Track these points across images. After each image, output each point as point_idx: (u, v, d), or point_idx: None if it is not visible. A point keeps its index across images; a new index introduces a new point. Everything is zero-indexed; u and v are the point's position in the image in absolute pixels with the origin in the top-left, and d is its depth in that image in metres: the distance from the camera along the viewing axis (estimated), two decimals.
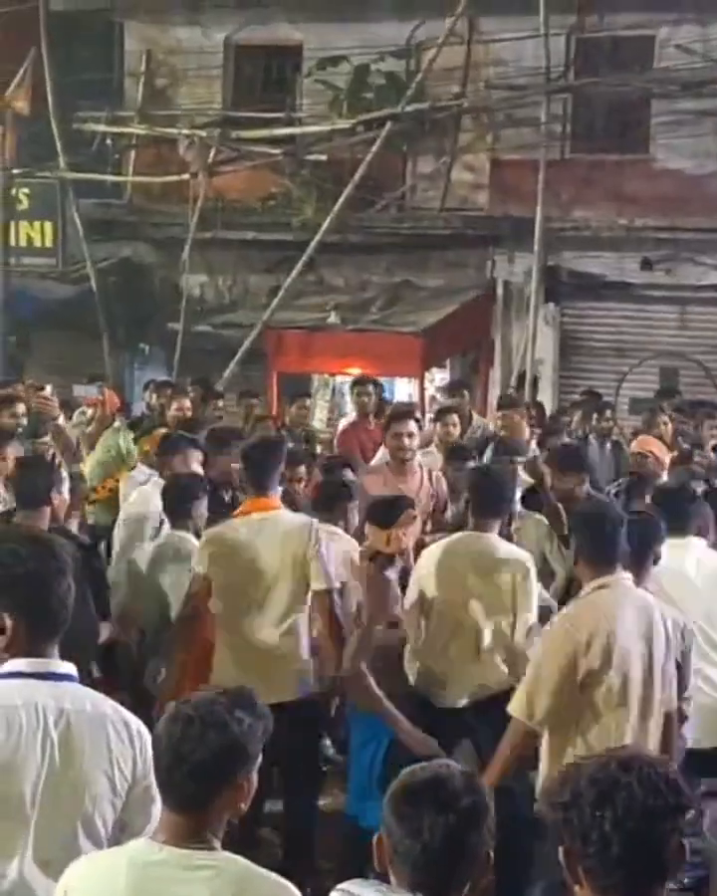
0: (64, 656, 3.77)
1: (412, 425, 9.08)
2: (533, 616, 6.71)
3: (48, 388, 10.38)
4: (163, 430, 9.78)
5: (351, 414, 13.19)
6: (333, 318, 17.32)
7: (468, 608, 6.72)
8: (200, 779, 3.20)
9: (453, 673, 6.76)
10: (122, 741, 3.66)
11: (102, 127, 18.75)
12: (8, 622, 3.70)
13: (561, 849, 2.82)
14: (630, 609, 5.63)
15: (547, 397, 16.73)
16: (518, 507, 8.05)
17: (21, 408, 9.92)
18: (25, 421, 9.87)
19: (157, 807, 3.57)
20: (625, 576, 5.69)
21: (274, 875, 3.28)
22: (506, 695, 6.01)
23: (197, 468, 8.09)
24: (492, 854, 3.07)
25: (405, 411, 10.05)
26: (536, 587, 6.84)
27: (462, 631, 6.73)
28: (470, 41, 17.58)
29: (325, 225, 17.01)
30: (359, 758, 6.38)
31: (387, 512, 6.65)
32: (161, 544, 7.41)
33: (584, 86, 17.47)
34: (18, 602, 3.69)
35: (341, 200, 17.00)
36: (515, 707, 5.55)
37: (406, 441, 8.96)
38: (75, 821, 3.62)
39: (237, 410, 13.50)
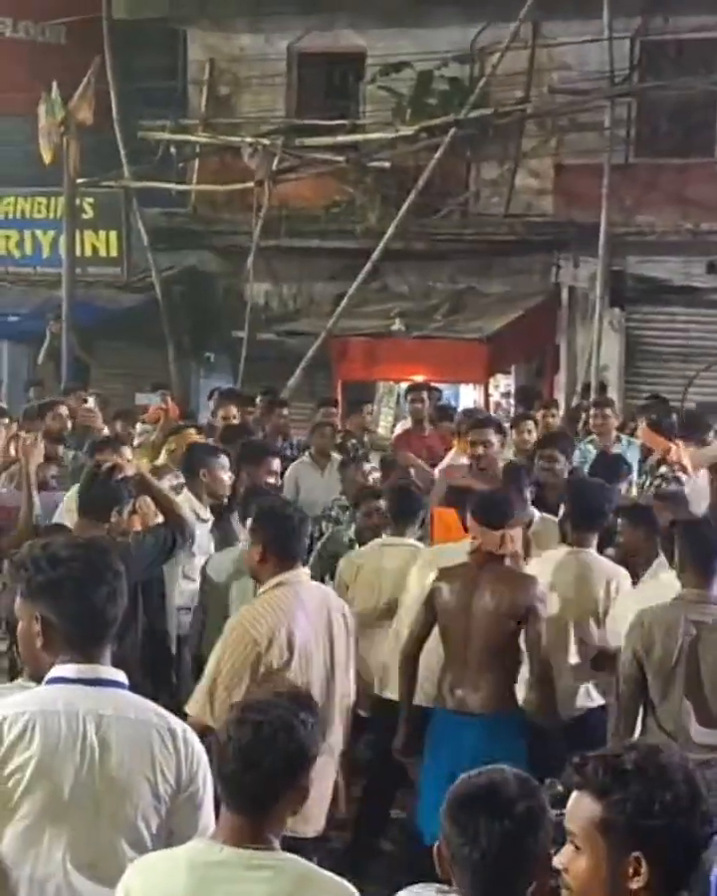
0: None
1: (490, 434, 8.78)
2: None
3: (91, 401, 10.41)
4: (192, 430, 9.77)
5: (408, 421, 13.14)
6: (397, 325, 17.31)
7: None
8: (270, 782, 3.23)
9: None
10: (167, 747, 3.65)
11: (165, 136, 18.87)
12: (37, 626, 3.71)
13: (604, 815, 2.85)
14: (309, 605, 5.73)
15: None
16: (534, 511, 8.06)
17: (64, 410, 9.95)
18: (70, 424, 9.90)
19: (205, 814, 3.64)
20: (304, 572, 5.79)
21: (334, 876, 3.30)
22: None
23: (223, 477, 7.92)
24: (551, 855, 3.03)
25: (485, 419, 9.69)
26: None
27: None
28: (534, 45, 17.54)
29: (389, 232, 17.00)
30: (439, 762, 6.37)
31: (499, 510, 6.58)
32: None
33: (648, 89, 17.38)
34: (53, 606, 3.70)
35: (404, 207, 16.98)
36: (193, 706, 5.51)
37: (481, 450, 8.68)
38: (117, 826, 3.62)
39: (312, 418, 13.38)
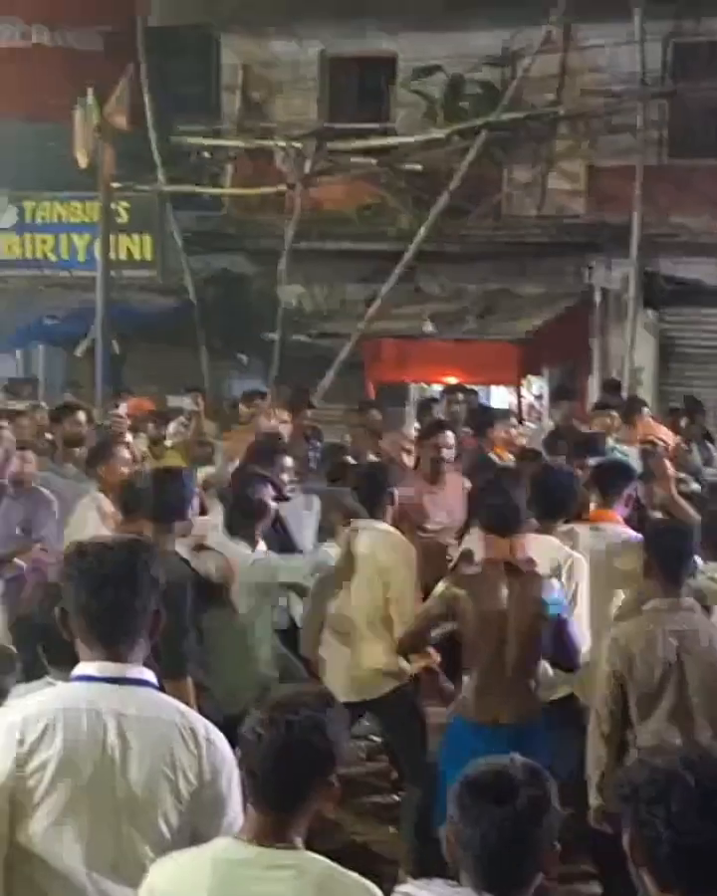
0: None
1: (451, 437, 9.28)
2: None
3: (122, 406, 10.52)
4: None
5: None
6: (429, 326, 17.33)
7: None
8: (300, 781, 3.25)
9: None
10: (188, 747, 3.64)
11: (199, 141, 19.00)
12: (64, 618, 3.75)
13: (625, 837, 2.85)
14: None
15: None
16: None
17: (82, 416, 10.00)
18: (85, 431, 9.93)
19: (230, 813, 3.63)
20: None
21: (356, 875, 3.31)
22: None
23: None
24: (558, 847, 3.09)
25: (443, 422, 10.11)
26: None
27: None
28: (566, 48, 17.55)
29: (420, 234, 17.04)
30: None
31: (508, 517, 6.51)
32: None
33: (680, 91, 17.35)
34: (72, 600, 3.71)
35: (436, 209, 17.02)
36: None
37: (445, 452, 9.16)
38: (137, 826, 3.62)
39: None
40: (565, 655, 6.45)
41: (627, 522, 7.49)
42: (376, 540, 7.42)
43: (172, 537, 6.25)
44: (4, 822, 3.60)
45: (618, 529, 7.32)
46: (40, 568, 8.13)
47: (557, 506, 7.19)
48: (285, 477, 8.44)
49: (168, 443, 12.01)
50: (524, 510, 6.62)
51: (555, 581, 6.47)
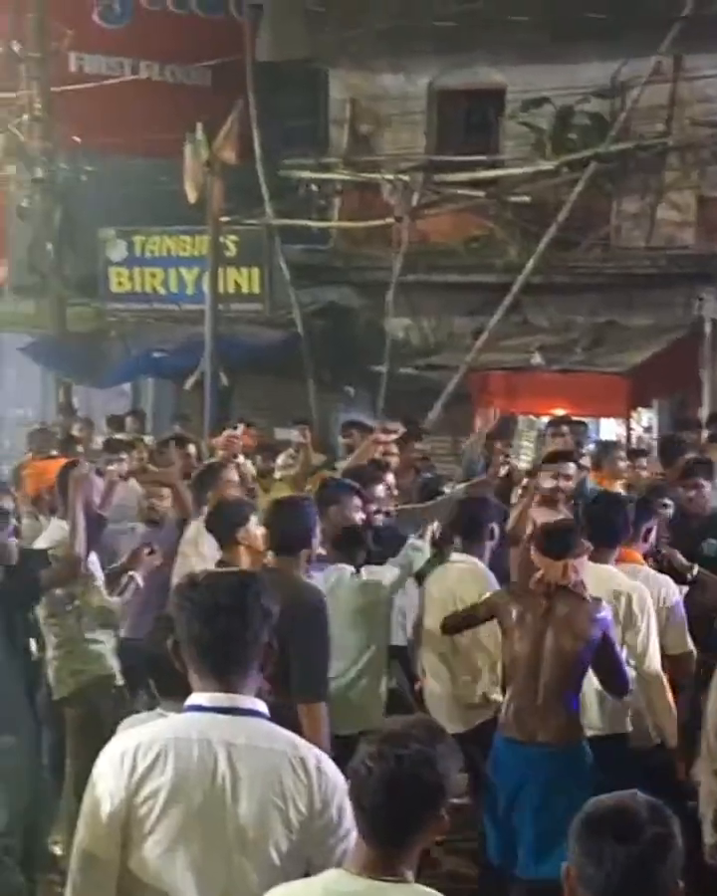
0: None
1: (572, 468, 9.16)
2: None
3: (240, 428, 10.60)
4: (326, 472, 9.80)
5: None
6: (537, 358, 17.25)
7: None
8: (410, 816, 3.24)
9: None
10: (298, 777, 3.62)
11: (307, 174, 19.13)
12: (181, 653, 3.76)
13: None
14: None
15: None
16: None
17: (192, 449, 10.01)
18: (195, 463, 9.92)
19: (344, 843, 3.59)
20: None
21: None
22: None
23: (355, 516, 7.75)
24: (682, 886, 3.01)
25: (567, 453, 9.90)
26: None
27: None
28: (675, 79, 17.43)
29: (529, 266, 17.00)
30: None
31: (562, 540, 6.49)
32: None
33: None
34: (183, 631, 3.73)
35: (544, 241, 16.97)
36: None
37: (563, 483, 8.99)
38: (248, 855, 3.62)
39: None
40: (610, 677, 6.39)
41: (647, 558, 7.42)
42: (458, 573, 7.53)
43: (300, 564, 6.27)
44: (117, 849, 3.64)
45: (636, 568, 7.18)
46: (154, 575, 8.07)
47: (607, 533, 7.02)
48: (380, 491, 8.45)
49: (277, 475, 12.04)
50: (577, 533, 6.61)
51: (604, 602, 6.41)
